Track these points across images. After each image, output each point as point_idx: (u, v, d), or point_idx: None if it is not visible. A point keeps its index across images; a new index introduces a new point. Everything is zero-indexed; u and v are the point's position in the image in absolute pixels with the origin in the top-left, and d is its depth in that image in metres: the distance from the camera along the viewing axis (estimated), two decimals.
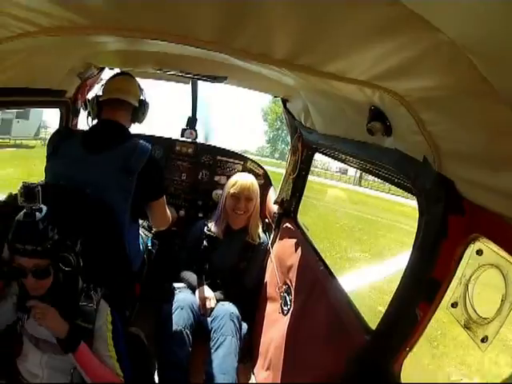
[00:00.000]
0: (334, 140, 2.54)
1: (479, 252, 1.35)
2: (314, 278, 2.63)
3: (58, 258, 2.07)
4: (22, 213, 2.00)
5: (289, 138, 3.76)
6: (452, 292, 1.43)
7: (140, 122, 2.99)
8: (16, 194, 2.04)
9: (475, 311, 1.36)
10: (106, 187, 2.54)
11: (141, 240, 3.06)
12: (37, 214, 2.01)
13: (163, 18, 1.43)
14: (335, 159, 2.94)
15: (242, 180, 3.67)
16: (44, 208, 2.05)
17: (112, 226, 2.57)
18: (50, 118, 36.79)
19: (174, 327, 3.03)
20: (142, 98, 2.95)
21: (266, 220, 4.02)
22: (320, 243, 11.71)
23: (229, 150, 4.54)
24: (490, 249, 1.31)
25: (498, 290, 1.27)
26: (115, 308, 2.33)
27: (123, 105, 2.82)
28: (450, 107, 1.21)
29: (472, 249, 1.37)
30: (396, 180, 1.95)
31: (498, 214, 1.23)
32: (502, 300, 1.25)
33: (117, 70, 3.64)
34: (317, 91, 2.31)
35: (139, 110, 2.93)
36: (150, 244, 3.33)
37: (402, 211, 24.70)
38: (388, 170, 1.92)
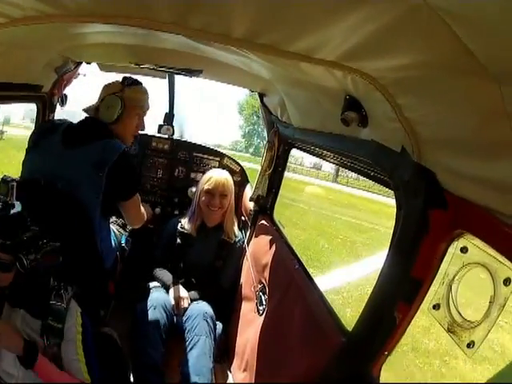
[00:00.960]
0: (310, 134, 2.47)
1: (464, 249, 1.22)
2: (289, 277, 2.52)
3: (16, 258, 1.98)
4: None
5: (265, 133, 3.67)
6: (434, 293, 1.30)
7: (103, 116, 2.78)
8: None
9: (460, 314, 1.23)
10: (78, 182, 2.50)
11: (113, 237, 2.98)
12: (7, 208, 1.97)
13: (122, 2, 1.38)
14: (311, 154, 2.89)
15: (216, 176, 3.57)
16: (17, 204, 2.01)
17: (82, 222, 2.52)
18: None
19: (148, 327, 2.94)
20: (112, 92, 2.81)
21: (243, 218, 3.92)
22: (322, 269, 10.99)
23: (205, 146, 4.47)
24: (475, 246, 1.19)
25: (484, 291, 1.14)
26: (87, 307, 2.29)
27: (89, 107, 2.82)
28: (429, 88, 1.09)
29: (456, 246, 1.24)
30: (373, 174, 1.84)
31: (485, 208, 1.11)
32: (490, 302, 1.12)
33: (94, 65, 3.58)
34: (292, 83, 2.24)
35: (100, 106, 2.79)
36: (123, 242, 3.25)
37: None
38: (365, 163, 1.82)
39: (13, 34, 1.78)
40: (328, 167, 50.15)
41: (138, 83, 2.88)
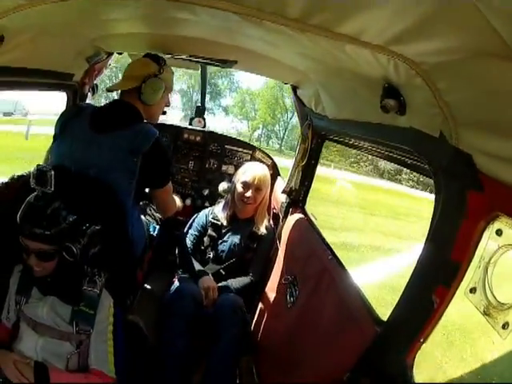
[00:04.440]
0: (346, 124, 2.47)
1: (499, 232, 1.25)
2: (322, 267, 2.52)
3: (62, 247, 2.06)
4: (33, 195, 2.01)
5: None
6: (470, 277, 1.33)
7: (147, 99, 2.73)
8: (19, 176, 2.11)
9: (494, 296, 1.26)
10: (110, 168, 2.49)
11: (143, 224, 3.00)
12: (48, 198, 2.01)
13: None
14: (346, 145, 2.90)
15: (253, 169, 3.61)
16: (56, 194, 2.03)
17: (114, 208, 2.52)
18: None
19: (174, 318, 2.97)
20: (153, 72, 2.74)
21: (274, 210, 3.95)
22: None
23: (237, 139, 4.53)
24: (510, 228, 1.22)
25: None
26: (117, 295, 2.34)
27: (128, 90, 2.72)
28: (466, 72, 1.15)
29: (491, 229, 1.27)
30: (410, 162, 1.87)
31: None
32: None
33: (125, 55, 3.62)
34: (328, 73, 2.26)
35: (144, 88, 2.71)
36: (151, 230, 3.25)
37: None
38: (402, 150, 1.84)
39: (43, 19, 1.80)
40: None
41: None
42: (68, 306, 2.17)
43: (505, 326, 1.20)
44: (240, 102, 60.70)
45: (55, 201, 2.03)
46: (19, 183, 2.23)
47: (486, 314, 1.26)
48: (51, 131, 2.73)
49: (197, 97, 50.98)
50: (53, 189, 2.00)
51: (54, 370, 2.07)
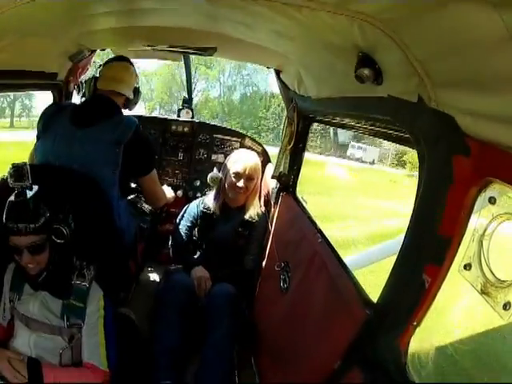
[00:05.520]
0: (327, 102, 2.39)
1: (492, 200, 1.09)
2: (313, 251, 2.41)
3: (51, 231, 2.06)
4: (13, 194, 1.99)
5: None
6: (464, 251, 1.16)
7: (130, 109, 3.00)
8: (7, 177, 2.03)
9: (492, 272, 1.09)
10: (94, 161, 2.54)
11: (131, 215, 2.98)
12: (27, 192, 2.00)
13: None
14: (331, 125, 2.88)
15: (244, 158, 3.49)
16: (35, 187, 2.04)
17: (100, 199, 2.54)
18: None
19: (167, 310, 2.88)
20: (136, 85, 2.94)
21: (266, 197, 3.84)
22: None
23: (226, 128, 4.50)
24: (504, 194, 1.07)
25: None
26: (108, 287, 2.32)
27: (117, 95, 2.80)
28: (433, 23, 1.06)
29: (483, 196, 1.11)
30: (392, 133, 1.75)
31: (509, 151, 0.99)
32: None
33: (108, 51, 3.58)
34: (306, 50, 2.20)
35: (132, 100, 2.93)
36: (142, 222, 3.25)
37: None
38: (385, 121, 1.72)
39: (24, 21, 1.77)
40: None
41: None
42: (58, 301, 2.16)
43: (506, 306, 1.02)
44: None
45: (35, 193, 2.02)
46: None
47: (483, 292, 1.09)
48: None
49: None
50: (30, 182, 1.98)
51: (46, 366, 2.06)
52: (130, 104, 2.94)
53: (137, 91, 2.96)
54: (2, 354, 2.04)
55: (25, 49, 2.29)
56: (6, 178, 2.01)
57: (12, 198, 1.97)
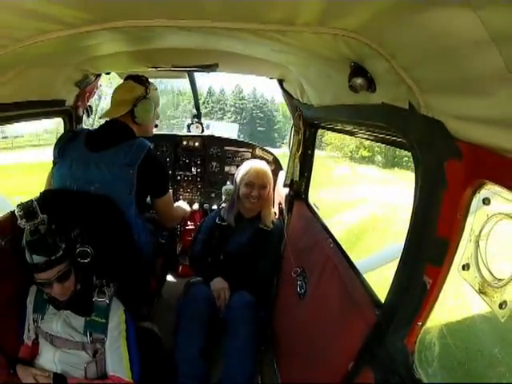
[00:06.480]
0: (327, 110, 2.43)
1: (486, 201, 1.09)
2: (325, 256, 2.42)
3: (76, 255, 2.11)
4: (27, 232, 1.99)
5: None
6: (462, 252, 1.17)
7: (142, 120, 2.84)
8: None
9: (490, 272, 1.10)
10: (110, 182, 2.57)
11: (149, 232, 2.97)
12: (40, 227, 2.00)
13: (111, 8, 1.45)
14: (335, 131, 2.88)
15: (255, 167, 3.50)
16: (45, 217, 2.03)
17: (118, 219, 2.57)
18: None
19: (188, 322, 2.89)
20: (142, 94, 2.84)
21: (280, 205, 3.83)
22: None
23: (236, 140, 4.55)
24: (498, 195, 1.07)
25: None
26: (129, 303, 2.39)
27: (124, 117, 2.80)
28: (409, 26, 1.05)
29: (478, 198, 1.12)
30: (389, 138, 1.77)
31: (499, 153, 1.00)
32: None
33: (114, 75, 3.62)
34: (305, 62, 2.21)
35: (137, 111, 2.82)
36: (160, 237, 3.27)
37: None
38: (380, 128, 1.74)
39: (26, 54, 1.79)
40: None
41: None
42: (81, 318, 2.22)
43: (502, 305, 1.03)
44: None
45: (49, 225, 2.03)
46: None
47: (481, 292, 1.10)
48: None
49: None
50: (41, 216, 1.99)
51: (72, 380, 2.13)
52: (138, 114, 2.81)
53: (141, 99, 2.81)
54: (27, 371, 2.11)
55: (30, 79, 2.33)
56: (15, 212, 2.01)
57: (27, 237, 1.98)
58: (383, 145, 2.18)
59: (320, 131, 3.18)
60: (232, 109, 53.90)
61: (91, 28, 1.59)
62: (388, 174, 30.47)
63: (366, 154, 38.16)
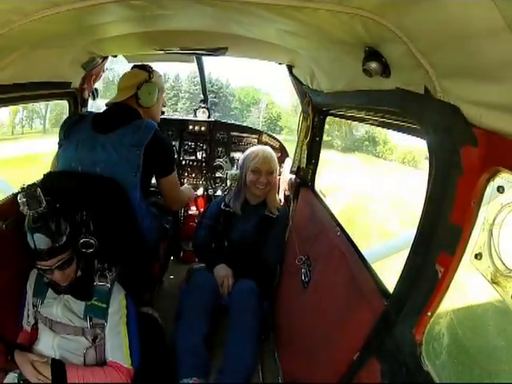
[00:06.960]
0: (339, 96, 2.39)
1: (500, 189, 1.07)
2: (332, 244, 2.40)
3: (79, 245, 2.12)
4: (29, 219, 1.97)
5: None
6: (475, 241, 1.15)
7: (146, 103, 2.88)
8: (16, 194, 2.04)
9: (503, 262, 1.08)
10: (116, 164, 2.57)
11: (154, 216, 2.97)
12: (43, 214, 1.98)
13: None
14: (345, 118, 2.83)
15: (262, 153, 3.46)
16: (49, 201, 2.00)
17: (123, 201, 2.56)
18: None
19: (190, 309, 2.86)
20: (145, 79, 2.87)
21: (286, 192, 3.81)
22: None
23: (242, 125, 4.50)
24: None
25: None
26: (131, 288, 2.37)
27: (130, 100, 2.84)
28: (430, 11, 1.04)
29: (492, 186, 1.09)
30: (403, 124, 1.74)
31: None
32: None
33: (120, 57, 3.57)
34: (316, 46, 2.16)
35: (140, 93, 2.85)
36: (164, 222, 3.25)
37: None
38: (395, 114, 1.71)
39: (33, 31, 1.76)
40: None
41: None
42: (81, 302, 2.19)
43: None
44: None
45: (52, 211, 2.01)
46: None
47: (493, 282, 1.08)
48: None
49: None
50: (45, 204, 1.96)
51: (70, 366, 2.09)
52: (142, 99, 2.85)
53: (144, 84, 2.85)
54: (24, 357, 2.07)
55: (35, 60, 2.31)
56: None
57: (30, 224, 1.96)
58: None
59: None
60: (186, 95, 53.84)
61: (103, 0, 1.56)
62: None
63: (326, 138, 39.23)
